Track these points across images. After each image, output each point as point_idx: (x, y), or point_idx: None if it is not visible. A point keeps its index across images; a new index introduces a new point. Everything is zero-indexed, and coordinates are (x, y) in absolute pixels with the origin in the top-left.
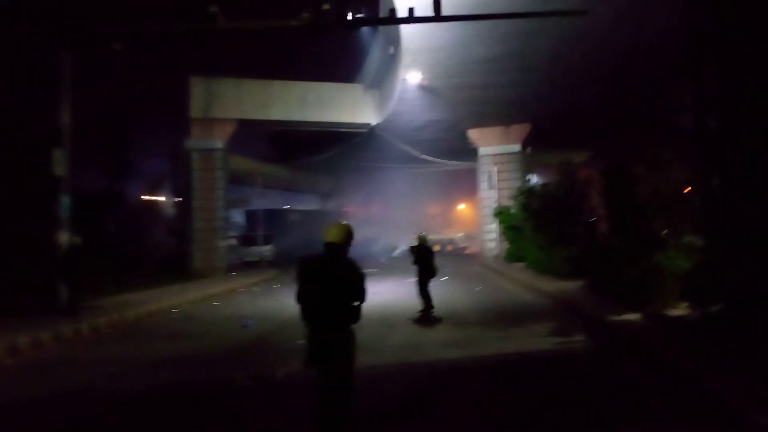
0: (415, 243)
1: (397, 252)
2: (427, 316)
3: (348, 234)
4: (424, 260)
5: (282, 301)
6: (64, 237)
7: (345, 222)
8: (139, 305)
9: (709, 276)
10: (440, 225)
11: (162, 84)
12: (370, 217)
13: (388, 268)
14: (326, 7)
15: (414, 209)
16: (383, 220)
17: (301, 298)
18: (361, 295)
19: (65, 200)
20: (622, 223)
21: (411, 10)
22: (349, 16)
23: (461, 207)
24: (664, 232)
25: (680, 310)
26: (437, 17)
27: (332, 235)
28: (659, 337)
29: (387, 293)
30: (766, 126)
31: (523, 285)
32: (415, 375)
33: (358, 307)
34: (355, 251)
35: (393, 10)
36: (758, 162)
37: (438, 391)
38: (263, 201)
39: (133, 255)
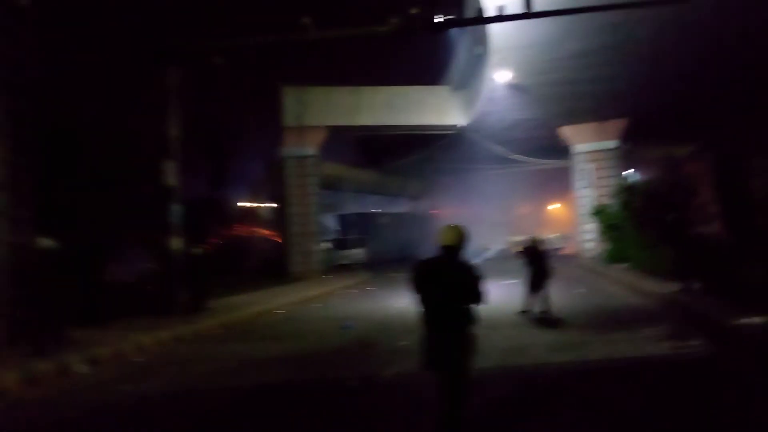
0: (528, 244)
1: (488, 253)
2: (548, 319)
3: (462, 236)
4: (537, 262)
5: (379, 303)
6: (176, 243)
7: (458, 224)
8: (246, 307)
9: None
10: (531, 225)
11: (257, 94)
12: (460, 218)
13: (481, 270)
14: (415, 10)
15: (504, 210)
16: (473, 221)
17: (419, 301)
18: (477, 297)
19: (176, 208)
20: (738, 220)
21: (501, 8)
22: (438, 19)
23: (553, 207)
24: None
25: None
26: (529, 14)
27: (447, 238)
28: None
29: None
30: None
31: (627, 287)
32: (522, 378)
33: (475, 309)
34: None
35: (481, 10)
36: None
37: (547, 395)
38: (354, 205)
39: (235, 259)
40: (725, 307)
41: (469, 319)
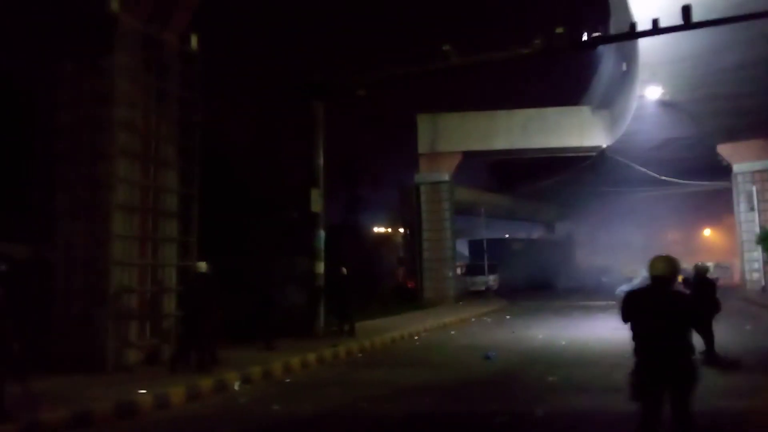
0: (692, 273)
1: (634, 282)
2: (714, 358)
3: (673, 266)
4: (703, 294)
5: (518, 332)
6: (320, 267)
7: (669, 255)
8: (383, 332)
9: None
10: (682, 253)
11: (392, 122)
12: (601, 245)
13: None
14: (560, 30)
15: (651, 236)
16: (616, 248)
17: (635, 331)
18: (694, 323)
19: (321, 234)
20: None
21: (655, 21)
22: (585, 37)
23: (707, 232)
24: None
25: None
26: (687, 25)
27: (658, 268)
28: None
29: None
30: None
31: None
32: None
33: (689, 334)
34: (583, 281)
35: (633, 25)
36: None
37: None
38: (486, 230)
39: (369, 283)
40: None
41: (687, 348)
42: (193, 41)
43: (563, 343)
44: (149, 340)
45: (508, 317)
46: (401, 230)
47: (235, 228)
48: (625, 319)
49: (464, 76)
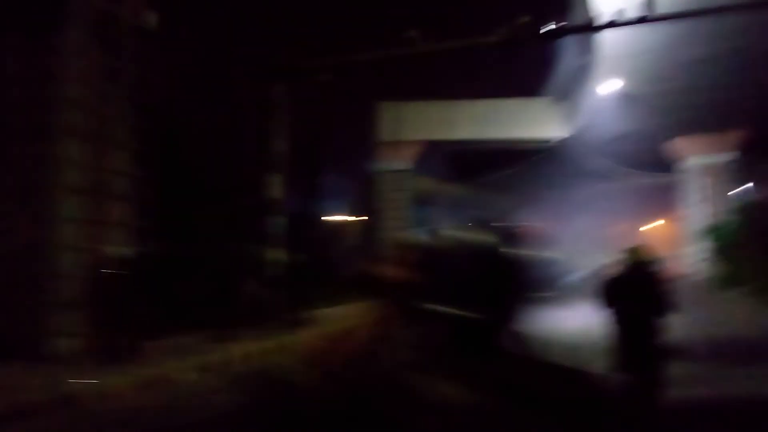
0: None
1: (579, 274)
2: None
3: (650, 254)
4: (639, 288)
5: None
6: (279, 254)
7: (643, 243)
8: (343, 319)
9: None
10: (628, 244)
11: (353, 109)
12: (550, 235)
13: (570, 291)
14: (524, 20)
15: (598, 227)
16: (564, 239)
17: (614, 313)
18: (669, 306)
19: (280, 220)
20: None
21: (618, 14)
22: (549, 27)
23: (653, 225)
24: None
25: None
26: (647, 18)
27: (636, 255)
28: None
29: (578, 319)
30: None
31: (745, 314)
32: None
33: (665, 318)
34: (530, 273)
35: (594, 18)
36: None
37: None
38: (445, 220)
39: (328, 271)
40: None
41: (662, 326)
42: (151, 19)
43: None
44: (90, 328)
45: None
46: (361, 218)
47: (189, 213)
48: (608, 305)
49: (429, 64)
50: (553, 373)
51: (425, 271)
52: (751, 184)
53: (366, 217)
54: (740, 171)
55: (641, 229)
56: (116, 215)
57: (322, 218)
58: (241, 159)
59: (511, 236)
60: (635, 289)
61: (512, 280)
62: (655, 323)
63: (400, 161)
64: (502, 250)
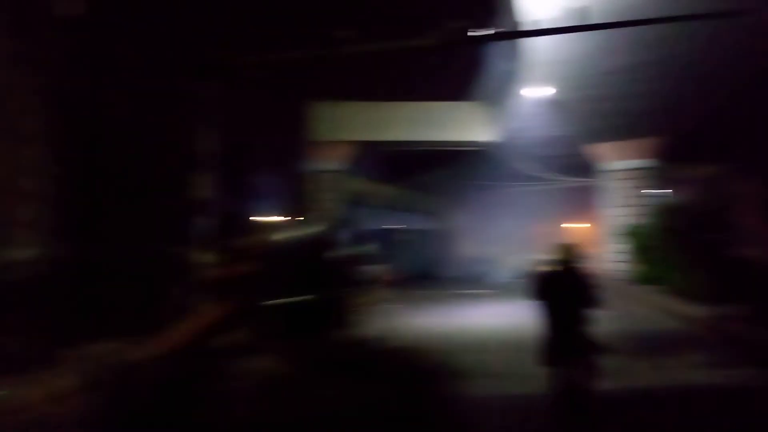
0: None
1: (506, 271)
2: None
3: (577, 252)
4: (569, 284)
5: (401, 321)
6: (204, 256)
7: (572, 243)
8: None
9: None
10: (551, 244)
11: (286, 108)
12: (481, 236)
13: (500, 288)
14: (456, 24)
15: (526, 228)
16: (496, 238)
17: (544, 308)
18: (596, 301)
19: (207, 221)
20: None
21: (546, 21)
22: (480, 32)
23: (576, 225)
24: None
25: None
26: (578, 26)
27: (564, 253)
28: None
29: (508, 315)
30: None
31: (663, 310)
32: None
33: (592, 312)
34: (465, 271)
35: (524, 24)
36: None
37: (601, 423)
38: (374, 221)
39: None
40: None
41: (589, 320)
42: (73, 5)
43: (444, 329)
44: None
45: (392, 306)
46: (292, 219)
47: (112, 213)
48: (538, 298)
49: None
50: (378, 353)
51: (263, 265)
52: (666, 189)
53: (300, 218)
54: (657, 176)
55: (566, 229)
56: (26, 215)
57: (254, 219)
58: (169, 157)
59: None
60: (565, 285)
61: (327, 268)
62: (584, 318)
63: (333, 161)
64: (328, 241)
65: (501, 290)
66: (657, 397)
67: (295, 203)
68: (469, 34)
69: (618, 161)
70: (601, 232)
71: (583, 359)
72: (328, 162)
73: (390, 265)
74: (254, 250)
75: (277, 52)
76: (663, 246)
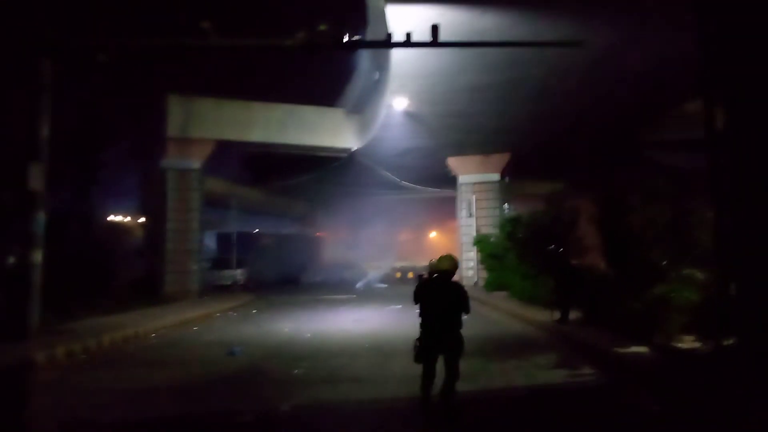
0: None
1: (369, 278)
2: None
3: (455, 263)
4: (442, 291)
5: (264, 327)
6: (36, 256)
7: (452, 254)
8: (113, 330)
9: (721, 309)
10: (412, 252)
11: (138, 100)
12: (345, 242)
13: (363, 294)
14: (323, 27)
15: (387, 235)
16: (359, 245)
17: (422, 310)
18: (467, 309)
19: (40, 217)
20: (618, 254)
21: (408, 35)
22: (345, 38)
23: (435, 234)
24: (664, 263)
25: (687, 344)
26: (435, 43)
27: (444, 264)
28: (675, 370)
29: (371, 321)
30: None
31: (510, 315)
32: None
33: (462, 317)
34: (328, 276)
35: (389, 35)
36: None
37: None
38: (236, 224)
39: (101, 277)
40: (606, 337)
41: (459, 324)
42: None
43: (308, 335)
44: None
45: (254, 311)
46: (143, 219)
47: None
48: (416, 301)
49: (226, 61)
50: None
51: None
52: (508, 203)
53: (150, 218)
54: (505, 190)
55: (425, 237)
56: None
57: (99, 218)
58: None
59: None
60: (438, 291)
61: None
62: (454, 321)
63: (189, 159)
64: None
65: (363, 296)
66: (505, 398)
67: (149, 202)
68: (334, 38)
69: (470, 174)
70: (456, 241)
71: (448, 355)
72: (188, 160)
73: (250, 269)
74: None
75: (128, 38)
76: (508, 255)
